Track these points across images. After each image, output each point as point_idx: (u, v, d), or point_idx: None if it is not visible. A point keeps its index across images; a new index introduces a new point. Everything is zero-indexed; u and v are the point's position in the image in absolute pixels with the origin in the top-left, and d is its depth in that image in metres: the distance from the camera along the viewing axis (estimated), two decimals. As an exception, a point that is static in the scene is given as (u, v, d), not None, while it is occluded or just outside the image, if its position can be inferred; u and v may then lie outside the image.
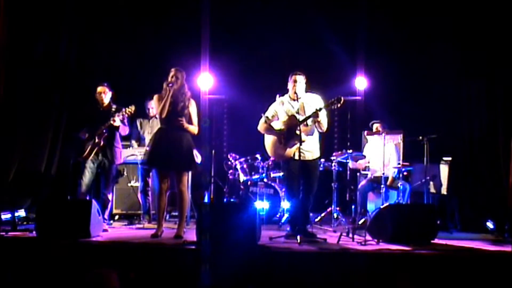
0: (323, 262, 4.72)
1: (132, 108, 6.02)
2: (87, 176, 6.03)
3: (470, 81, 6.98)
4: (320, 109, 5.43)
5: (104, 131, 6.02)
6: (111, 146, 6.11)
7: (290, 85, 5.67)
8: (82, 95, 7.06)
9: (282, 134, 5.63)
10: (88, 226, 5.20)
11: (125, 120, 6.22)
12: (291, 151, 5.53)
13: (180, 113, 5.53)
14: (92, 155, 6.01)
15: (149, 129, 6.82)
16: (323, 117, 5.52)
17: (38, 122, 6.96)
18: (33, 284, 4.58)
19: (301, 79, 5.62)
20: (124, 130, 6.28)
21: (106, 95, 6.18)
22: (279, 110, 5.74)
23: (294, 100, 5.64)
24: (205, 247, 4.71)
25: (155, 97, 5.65)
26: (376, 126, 7.02)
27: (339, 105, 5.35)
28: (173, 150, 5.49)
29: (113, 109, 6.12)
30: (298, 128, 5.36)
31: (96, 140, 6.00)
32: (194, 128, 5.61)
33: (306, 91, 5.72)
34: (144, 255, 4.83)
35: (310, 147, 5.65)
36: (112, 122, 5.99)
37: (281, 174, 7.17)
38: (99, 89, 6.18)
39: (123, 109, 6.01)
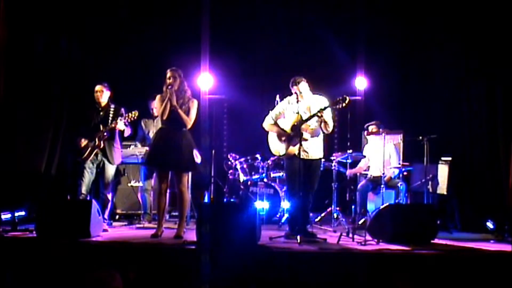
0: (323, 262, 4.72)
1: (135, 114, 6.05)
2: (86, 177, 6.05)
3: (470, 81, 6.98)
4: (325, 108, 5.44)
5: (105, 133, 6.04)
6: (111, 146, 6.13)
7: (294, 93, 5.67)
8: (82, 95, 7.06)
9: (286, 131, 5.65)
10: (88, 226, 5.21)
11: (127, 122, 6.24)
12: (294, 149, 5.53)
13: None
14: (92, 156, 6.03)
15: (154, 129, 6.80)
16: (328, 117, 5.53)
17: (38, 122, 6.96)
18: (33, 284, 4.58)
19: (304, 86, 5.63)
20: (127, 132, 6.34)
21: (103, 94, 6.17)
22: (286, 109, 5.77)
23: (300, 101, 5.65)
24: (205, 247, 4.71)
25: (158, 97, 5.66)
26: (371, 128, 7.00)
27: (344, 104, 5.33)
28: (172, 150, 5.50)
29: (112, 109, 6.13)
30: (300, 127, 5.37)
31: (97, 143, 6.02)
32: (187, 119, 5.56)
33: (313, 93, 5.74)
34: (144, 255, 4.83)
35: (314, 146, 5.67)
36: (114, 125, 6.01)
37: (281, 174, 7.18)
38: (97, 87, 6.19)
39: (126, 114, 6.05)
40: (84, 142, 6.04)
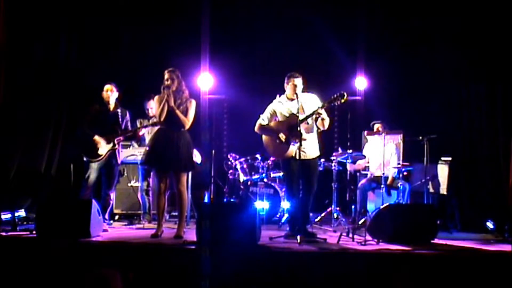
0: (323, 262, 4.72)
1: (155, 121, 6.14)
2: (92, 177, 6.06)
3: (470, 81, 6.99)
4: (323, 106, 5.43)
5: (122, 137, 6.14)
6: (118, 148, 6.18)
7: (289, 88, 5.66)
8: (82, 95, 7.07)
9: (282, 132, 5.62)
10: (88, 226, 5.20)
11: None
12: (292, 150, 5.53)
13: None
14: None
15: (150, 129, 6.83)
16: (325, 114, 5.52)
17: (38, 122, 6.96)
18: (33, 284, 4.58)
19: (299, 82, 5.62)
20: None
21: (112, 94, 6.19)
22: (278, 110, 5.74)
23: (292, 100, 5.64)
24: (205, 247, 4.71)
25: (156, 98, 5.66)
26: (377, 126, 7.01)
27: (342, 100, 5.35)
28: (171, 151, 5.50)
29: (120, 112, 6.18)
30: (299, 126, 5.36)
31: (116, 146, 6.08)
32: (185, 119, 5.55)
33: (302, 91, 5.72)
34: (144, 255, 4.82)
35: (311, 146, 5.65)
36: (138, 131, 6.20)
37: (281, 174, 7.17)
38: (107, 87, 6.19)
39: (148, 120, 6.27)
40: (103, 142, 6.03)
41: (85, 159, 6.09)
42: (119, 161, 6.24)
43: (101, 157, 6.04)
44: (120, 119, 6.18)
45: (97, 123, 6.11)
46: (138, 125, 6.98)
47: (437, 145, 6.48)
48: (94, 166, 6.06)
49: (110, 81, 6.27)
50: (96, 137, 6.04)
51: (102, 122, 6.11)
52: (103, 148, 6.05)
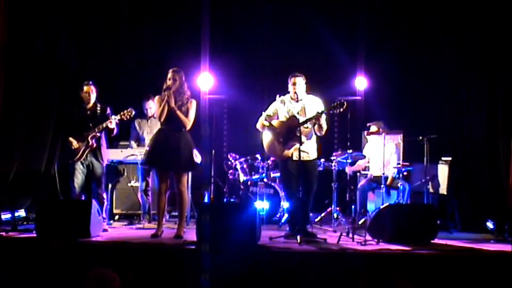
0: (323, 262, 4.72)
1: (131, 112, 6.01)
2: (78, 178, 5.99)
3: (470, 81, 6.98)
4: (322, 112, 5.44)
5: (98, 133, 5.98)
6: (99, 146, 6.08)
7: (290, 87, 5.68)
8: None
9: (281, 134, 5.63)
10: (88, 226, 5.20)
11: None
12: (290, 151, 5.53)
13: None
14: (83, 156, 5.97)
15: (148, 129, 6.83)
16: (323, 121, 5.53)
17: (38, 122, 6.95)
18: (33, 284, 4.58)
19: (300, 81, 5.63)
20: (115, 131, 6.20)
21: (92, 94, 6.10)
22: (280, 109, 5.75)
23: (295, 101, 5.65)
24: (205, 247, 4.71)
25: (156, 98, 5.65)
26: (372, 127, 6.98)
27: (341, 109, 5.39)
28: (172, 151, 5.50)
29: (99, 109, 6.06)
30: (298, 129, 5.36)
31: (90, 143, 5.95)
32: (186, 120, 5.55)
33: (307, 93, 5.73)
34: (144, 255, 4.83)
35: (308, 148, 5.65)
36: (108, 124, 5.94)
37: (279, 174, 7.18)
38: (86, 88, 6.09)
39: (122, 112, 5.99)
40: (75, 143, 5.97)
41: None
42: (103, 160, 6.10)
43: (78, 156, 5.94)
44: (98, 117, 6.02)
45: (75, 123, 6.04)
46: (136, 125, 6.97)
47: (437, 145, 6.48)
48: (78, 167, 5.99)
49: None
50: (70, 138, 5.97)
51: (79, 122, 6.02)
52: (79, 147, 5.96)
